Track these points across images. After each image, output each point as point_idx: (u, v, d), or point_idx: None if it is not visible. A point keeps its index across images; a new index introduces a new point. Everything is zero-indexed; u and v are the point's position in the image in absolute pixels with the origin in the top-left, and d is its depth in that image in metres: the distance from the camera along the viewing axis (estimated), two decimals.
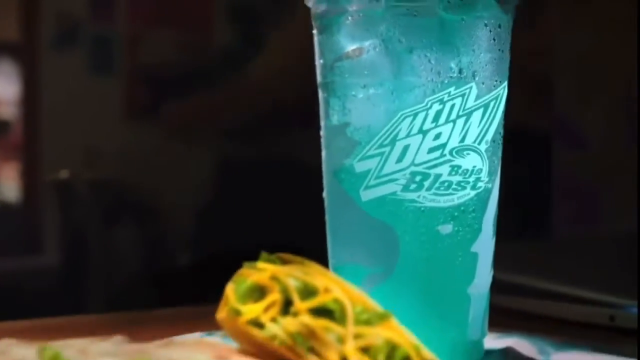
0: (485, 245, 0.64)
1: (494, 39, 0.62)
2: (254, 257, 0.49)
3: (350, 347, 0.40)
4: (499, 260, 0.74)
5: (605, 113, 1.13)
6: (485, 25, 0.61)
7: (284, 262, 0.45)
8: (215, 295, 0.60)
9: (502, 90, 0.62)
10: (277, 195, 1.18)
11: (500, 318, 0.73)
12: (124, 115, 1.50)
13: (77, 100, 1.49)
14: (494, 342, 0.69)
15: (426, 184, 0.60)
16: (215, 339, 0.48)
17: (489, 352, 0.67)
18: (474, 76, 0.61)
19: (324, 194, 0.66)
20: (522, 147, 1.22)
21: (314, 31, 0.66)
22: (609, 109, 1.13)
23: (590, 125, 1.15)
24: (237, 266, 0.51)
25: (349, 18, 0.61)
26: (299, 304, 0.41)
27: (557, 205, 1.16)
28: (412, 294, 0.60)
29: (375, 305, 0.41)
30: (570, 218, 1.15)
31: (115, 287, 1.13)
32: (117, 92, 1.45)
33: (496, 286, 0.72)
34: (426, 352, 0.40)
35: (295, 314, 0.41)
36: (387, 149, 0.60)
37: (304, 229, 0.86)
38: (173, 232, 1.23)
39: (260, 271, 0.44)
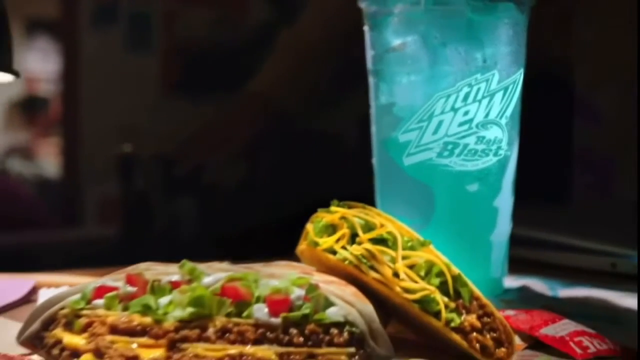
0: (505, 201, 0.74)
1: (512, 35, 0.72)
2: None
3: (400, 265, 0.52)
4: (525, 219, 0.83)
5: (619, 94, 1.17)
6: (505, 24, 0.72)
7: (350, 206, 0.56)
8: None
9: (519, 76, 0.73)
10: (313, 161, 1.21)
11: (520, 266, 0.84)
12: (161, 90, 1.51)
13: (115, 76, 1.49)
14: (512, 281, 0.80)
15: (456, 151, 0.71)
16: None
17: (508, 289, 0.78)
18: (495, 65, 0.71)
19: (373, 160, 0.77)
20: (548, 124, 1.28)
21: (365, 28, 0.76)
22: (623, 90, 1.16)
23: (606, 104, 1.19)
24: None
25: (395, 18, 0.72)
26: (363, 236, 0.53)
27: (577, 173, 1.19)
28: (445, 240, 0.67)
29: (418, 236, 0.54)
30: (587, 184, 1.19)
31: (173, 250, 1.19)
32: (154, 68, 1.46)
33: (519, 240, 0.82)
34: (454, 268, 0.52)
35: (360, 243, 0.53)
36: (425, 123, 0.71)
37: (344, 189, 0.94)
38: (215, 199, 1.27)
39: (333, 213, 0.56)
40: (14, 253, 0.89)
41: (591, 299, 0.75)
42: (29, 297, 0.72)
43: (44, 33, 1.27)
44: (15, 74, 0.80)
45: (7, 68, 0.77)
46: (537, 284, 0.80)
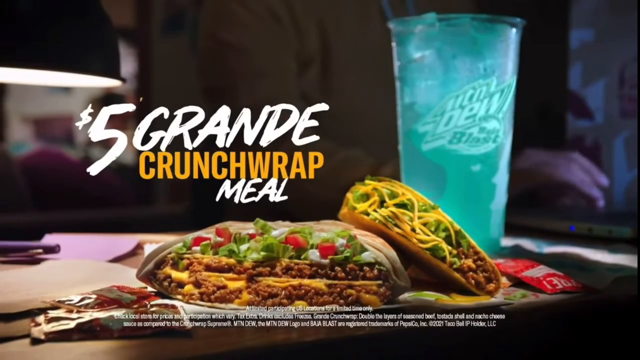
0: (501, 178, 0.80)
1: (508, 49, 0.78)
2: None
3: (416, 223, 0.61)
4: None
5: (606, 92, 1.23)
6: (502, 40, 0.78)
7: (379, 180, 0.65)
8: None
9: (513, 81, 0.79)
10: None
11: (515, 231, 0.91)
12: None
13: (182, 76, 1.51)
14: (508, 241, 0.87)
15: (463, 139, 0.77)
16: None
17: (504, 247, 0.84)
18: (494, 72, 0.77)
19: (399, 147, 0.83)
20: (546, 117, 1.34)
21: (393, 44, 0.82)
22: (609, 89, 1.22)
23: (594, 101, 1.24)
24: None
25: (416, 37, 0.78)
26: (389, 202, 0.62)
27: None
28: (455, 209, 0.72)
29: (430, 201, 0.62)
30: None
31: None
32: None
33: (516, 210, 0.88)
34: (456, 225, 0.60)
35: (387, 207, 0.62)
36: (439, 118, 0.77)
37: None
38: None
39: (367, 185, 0.65)
40: (96, 228, 0.91)
41: (568, 254, 0.81)
42: (135, 250, 0.81)
43: (122, 40, 1.31)
44: (123, 80, 0.81)
45: (116, 75, 0.80)
46: (527, 244, 0.86)
